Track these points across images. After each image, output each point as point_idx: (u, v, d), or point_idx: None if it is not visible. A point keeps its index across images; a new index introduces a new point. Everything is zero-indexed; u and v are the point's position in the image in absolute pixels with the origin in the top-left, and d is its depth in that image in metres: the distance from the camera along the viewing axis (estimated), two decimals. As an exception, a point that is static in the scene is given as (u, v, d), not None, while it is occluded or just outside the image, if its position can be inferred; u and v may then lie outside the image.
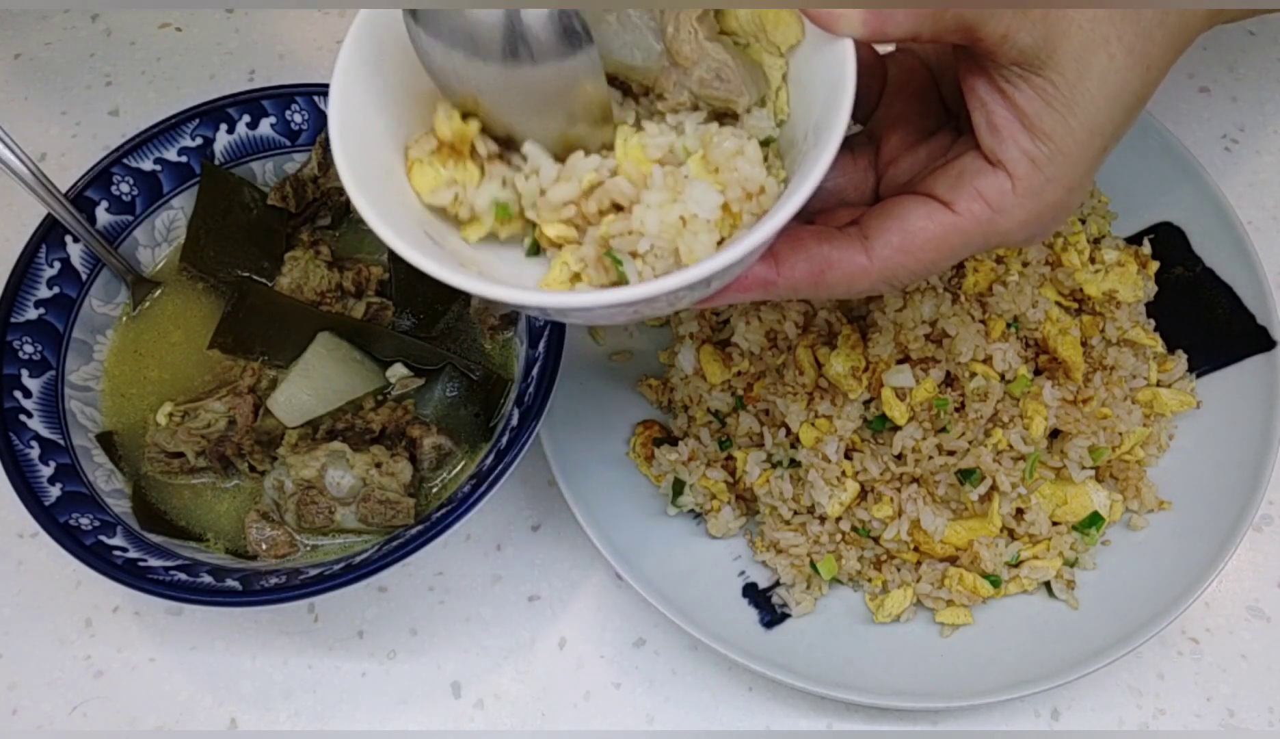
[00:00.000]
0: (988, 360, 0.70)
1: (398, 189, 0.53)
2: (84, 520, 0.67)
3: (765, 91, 0.52)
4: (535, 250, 0.55)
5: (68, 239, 0.75)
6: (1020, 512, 0.71)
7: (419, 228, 0.52)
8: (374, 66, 0.52)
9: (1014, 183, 0.49)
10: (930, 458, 0.69)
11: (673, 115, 0.52)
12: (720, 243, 0.50)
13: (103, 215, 0.76)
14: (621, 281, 0.51)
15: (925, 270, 0.51)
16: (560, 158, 0.52)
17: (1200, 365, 0.76)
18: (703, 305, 0.51)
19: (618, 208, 0.51)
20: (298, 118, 0.79)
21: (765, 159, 0.52)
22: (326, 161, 0.80)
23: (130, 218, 0.78)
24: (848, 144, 0.56)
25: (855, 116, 0.47)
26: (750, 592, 0.72)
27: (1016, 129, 0.49)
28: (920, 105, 0.56)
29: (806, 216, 0.46)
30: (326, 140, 0.79)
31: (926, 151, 0.55)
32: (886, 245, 0.50)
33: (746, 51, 0.53)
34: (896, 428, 0.70)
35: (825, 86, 0.48)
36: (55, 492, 0.68)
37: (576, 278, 0.53)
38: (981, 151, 0.50)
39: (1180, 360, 0.76)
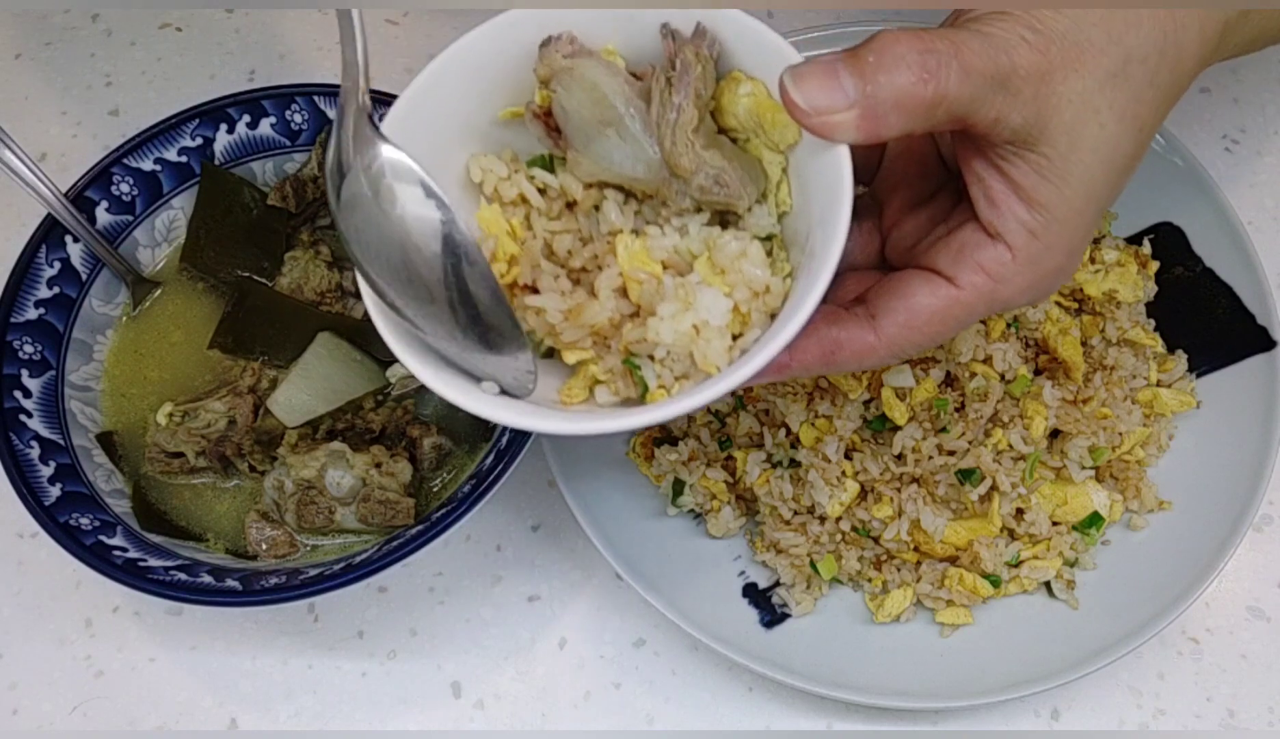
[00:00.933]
0: (988, 360, 0.70)
1: None
2: (84, 520, 0.67)
3: (766, 186, 0.53)
4: (549, 353, 0.56)
5: (68, 239, 0.75)
6: (1020, 512, 0.71)
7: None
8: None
9: (1013, 253, 0.51)
10: (930, 458, 0.69)
11: (677, 218, 0.53)
12: (735, 338, 0.52)
13: (103, 215, 0.76)
14: (640, 384, 0.53)
15: (931, 343, 0.53)
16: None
17: (1200, 365, 0.76)
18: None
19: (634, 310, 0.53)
20: (298, 118, 0.79)
21: (770, 253, 0.53)
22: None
23: (130, 218, 0.78)
24: (852, 208, 0.58)
25: (858, 180, 0.49)
26: (750, 592, 0.72)
27: (1013, 201, 0.50)
28: (921, 167, 0.57)
29: None
30: (326, 140, 0.79)
31: (928, 214, 0.56)
32: (893, 323, 0.52)
33: (746, 147, 0.54)
34: (896, 428, 0.70)
35: (824, 190, 0.50)
36: (55, 492, 0.68)
37: (595, 381, 0.55)
38: (980, 223, 0.51)
39: (1180, 360, 0.76)
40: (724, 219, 0.54)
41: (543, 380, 0.54)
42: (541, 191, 0.55)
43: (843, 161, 0.48)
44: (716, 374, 0.51)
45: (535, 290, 0.54)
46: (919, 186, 0.57)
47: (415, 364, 0.51)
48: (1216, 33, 0.53)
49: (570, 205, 0.55)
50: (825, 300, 0.49)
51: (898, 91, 0.46)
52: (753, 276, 0.51)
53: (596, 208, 0.55)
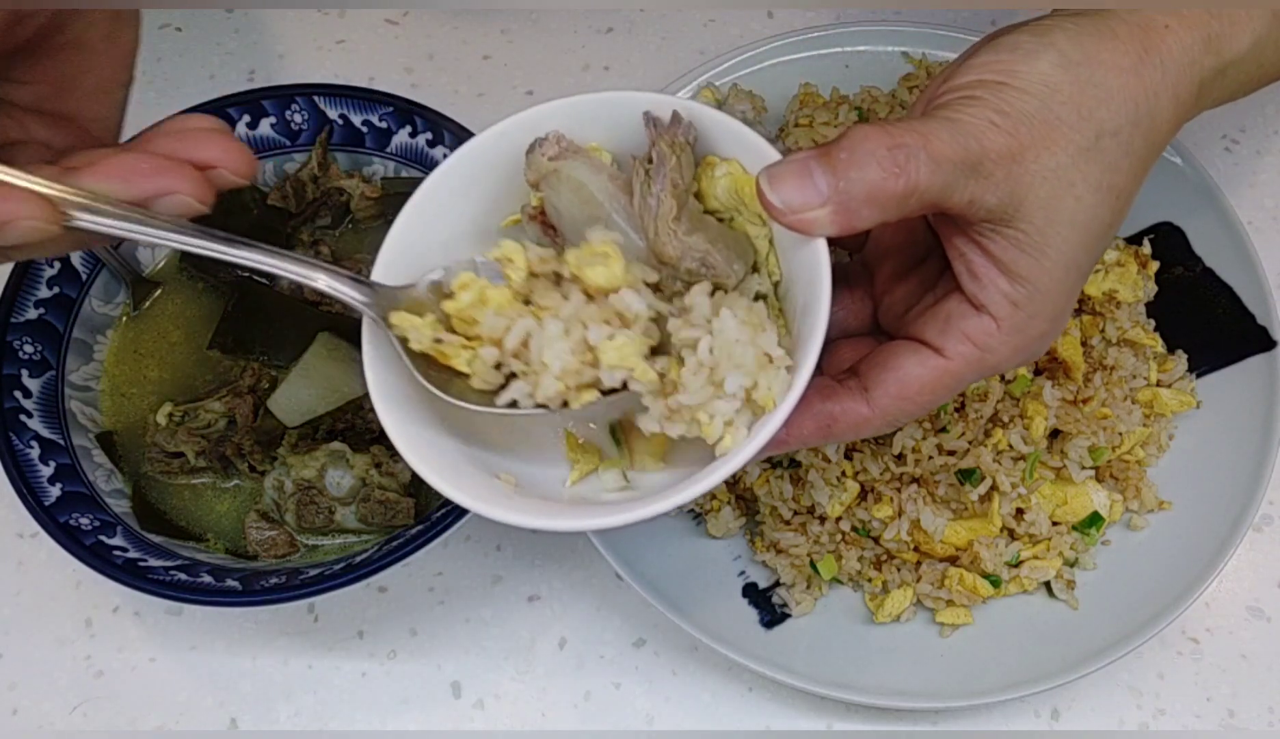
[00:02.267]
0: (962, 391, 0.70)
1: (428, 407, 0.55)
2: (84, 520, 0.67)
3: (756, 258, 0.55)
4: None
5: (68, 239, 0.75)
6: (1020, 512, 0.71)
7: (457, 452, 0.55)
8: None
9: (998, 323, 0.52)
10: (930, 458, 0.70)
11: (677, 298, 0.54)
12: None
13: (103, 215, 0.76)
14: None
15: (922, 411, 0.54)
16: None
17: (1200, 365, 0.76)
18: None
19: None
20: (298, 118, 0.79)
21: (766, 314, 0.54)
22: (326, 161, 0.80)
23: (130, 218, 0.77)
24: (844, 276, 0.60)
25: (847, 247, 0.51)
26: (750, 592, 0.72)
27: (995, 275, 0.51)
28: (909, 235, 0.58)
29: None
30: (326, 140, 0.79)
31: (918, 278, 0.57)
32: (885, 395, 0.53)
33: (731, 225, 0.55)
34: (896, 428, 0.70)
35: (804, 279, 0.51)
36: (55, 492, 0.68)
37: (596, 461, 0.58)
38: (965, 295, 0.52)
39: (1180, 360, 0.76)
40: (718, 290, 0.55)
41: (552, 468, 0.56)
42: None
43: (820, 254, 0.49)
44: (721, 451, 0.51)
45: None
46: (908, 253, 0.58)
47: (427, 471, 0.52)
48: (1191, 95, 0.54)
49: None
50: (819, 371, 0.50)
51: (869, 186, 0.48)
52: (747, 359, 0.52)
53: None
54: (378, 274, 0.54)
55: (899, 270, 0.58)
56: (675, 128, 0.53)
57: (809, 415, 0.53)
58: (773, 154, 0.51)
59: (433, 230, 0.56)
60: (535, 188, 0.55)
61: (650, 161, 0.53)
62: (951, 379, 0.53)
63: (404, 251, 0.55)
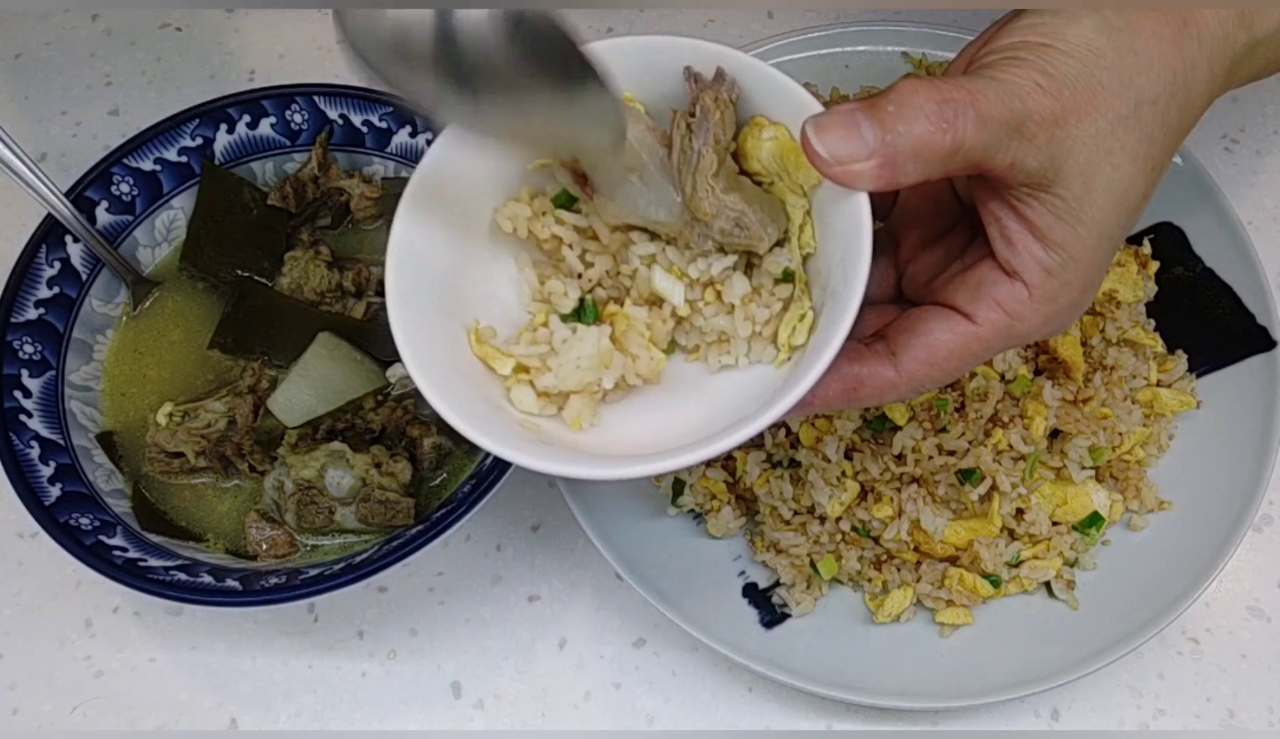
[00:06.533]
0: (988, 360, 0.70)
1: (455, 353, 0.55)
2: (84, 520, 0.67)
3: (789, 227, 0.55)
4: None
5: (68, 239, 0.75)
6: (1020, 512, 0.71)
7: (482, 397, 0.54)
8: (428, 227, 0.55)
9: (1030, 291, 0.51)
10: (930, 458, 0.69)
11: (702, 259, 0.54)
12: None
13: (103, 215, 0.76)
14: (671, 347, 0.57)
15: (950, 377, 0.54)
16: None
17: (1200, 365, 0.76)
18: None
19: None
20: (298, 118, 0.79)
21: (791, 293, 0.55)
22: (326, 161, 0.80)
23: (130, 218, 0.78)
24: None
25: (874, 216, 0.50)
26: (750, 592, 0.72)
27: (1030, 241, 0.51)
28: (936, 204, 0.58)
29: None
30: (326, 140, 0.79)
31: (944, 249, 0.57)
32: (913, 360, 0.52)
33: (770, 190, 0.55)
34: (896, 428, 0.70)
35: (844, 233, 0.51)
36: (55, 492, 0.68)
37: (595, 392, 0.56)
38: (997, 261, 0.52)
39: (1180, 360, 0.76)
40: (748, 261, 0.55)
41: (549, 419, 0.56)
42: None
43: (862, 207, 0.49)
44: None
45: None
46: (934, 223, 0.58)
47: (419, 376, 0.51)
48: (1224, 70, 0.54)
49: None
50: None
51: (916, 141, 0.47)
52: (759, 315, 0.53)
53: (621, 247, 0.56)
54: (404, 210, 0.54)
55: (925, 239, 0.58)
56: (719, 84, 0.53)
57: (835, 377, 0.52)
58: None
59: (458, 177, 0.55)
60: None
61: (692, 114, 0.52)
62: (980, 346, 0.52)
63: (435, 189, 0.55)
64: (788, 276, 0.55)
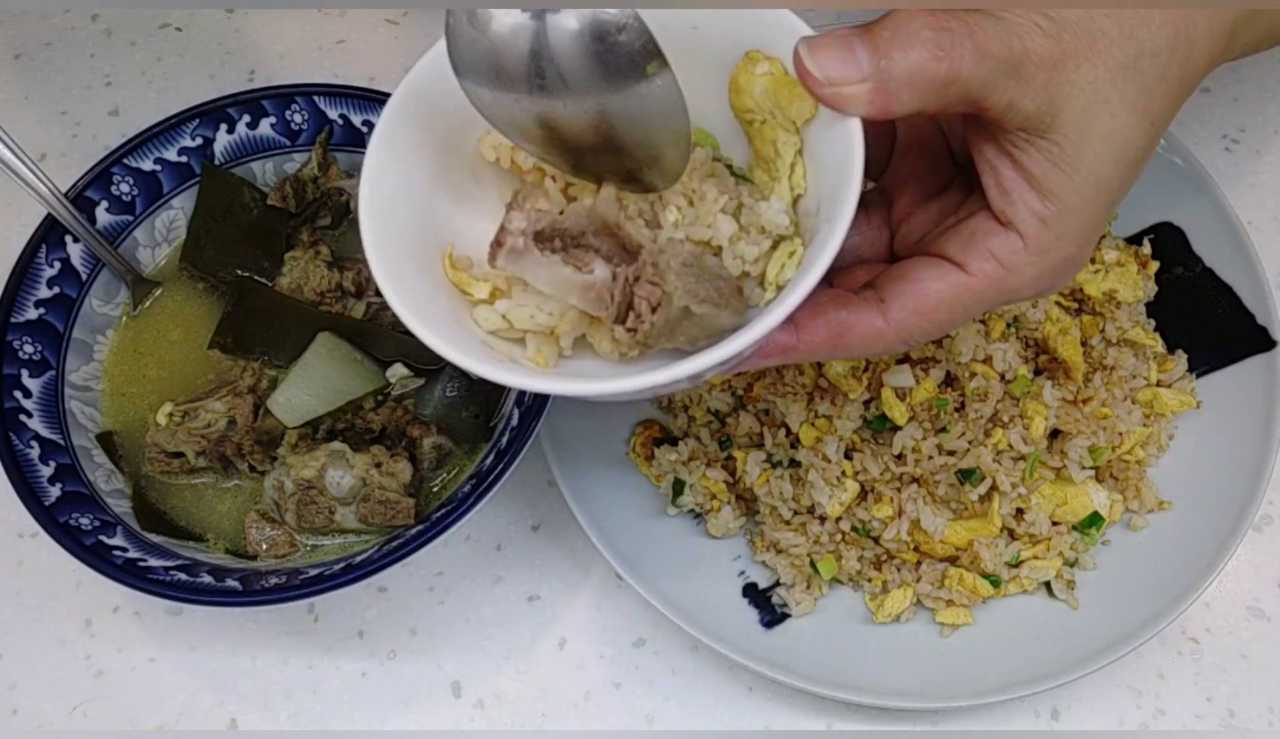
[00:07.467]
0: (988, 360, 0.70)
1: (428, 274, 0.54)
2: (84, 520, 0.67)
3: (778, 168, 0.54)
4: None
5: (68, 239, 0.75)
6: (1020, 512, 0.71)
7: (450, 316, 0.53)
8: (408, 147, 0.54)
9: (1025, 242, 0.51)
10: (930, 458, 0.69)
11: (690, 209, 0.54)
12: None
13: (103, 215, 0.76)
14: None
15: (940, 330, 0.52)
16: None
17: (1200, 365, 0.76)
18: (722, 374, 0.51)
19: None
20: (298, 118, 0.79)
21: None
22: (326, 162, 0.80)
23: (130, 218, 0.78)
24: (861, 203, 0.58)
25: (867, 175, 0.49)
26: (750, 592, 0.72)
27: (1025, 190, 0.50)
28: (930, 162, 0.58)
29: (824, 277, 0.48)
30: (326, 140, 0.79)
31: (938, 208, 0.57)
32: (902, 308, 0.51)
33: (762, 129, 0.54)
34: (896, 428, 0.70)
35: (835, 162, 0.50)
36: (55, 492, 0.68)
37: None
38: (992, 212, 0.51)
39: (1180, 360, 0.76)
40: (739, 205, 0.54)
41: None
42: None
43: (854, 134, 0.48)
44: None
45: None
46: (928, 181, 0.57)
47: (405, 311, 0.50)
48: (1225, 32, 0.53)
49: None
50: (834, 286, 0.48)
51: (911, 67, 0.46)
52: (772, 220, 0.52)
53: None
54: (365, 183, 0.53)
55: (919, 198, 0.57)
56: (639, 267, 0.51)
57: (821, 322, 0.52)
58: None
59: (436, 105, 0.54)
60: None
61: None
62: (971, 297, 0.51)
63: (413, 115, 0.54)
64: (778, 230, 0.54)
